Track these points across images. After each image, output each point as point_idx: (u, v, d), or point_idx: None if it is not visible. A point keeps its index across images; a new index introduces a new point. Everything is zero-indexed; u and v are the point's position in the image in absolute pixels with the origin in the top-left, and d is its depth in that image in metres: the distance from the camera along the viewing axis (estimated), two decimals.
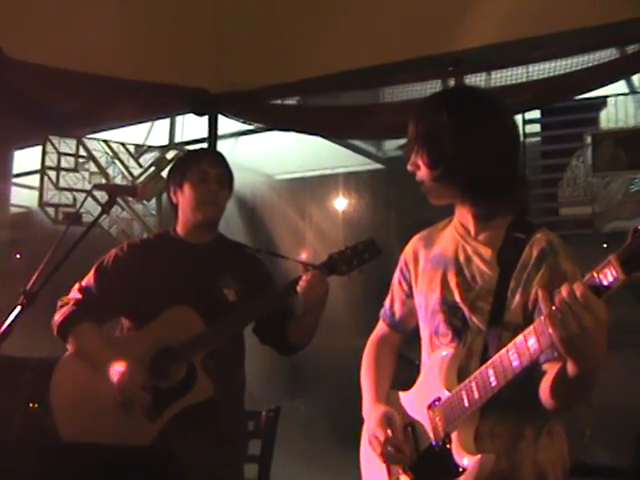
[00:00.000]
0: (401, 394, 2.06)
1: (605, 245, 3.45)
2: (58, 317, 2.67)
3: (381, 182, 6.31)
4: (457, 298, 1.87)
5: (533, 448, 1.80)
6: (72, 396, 2.61)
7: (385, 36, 3.71)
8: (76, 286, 2.74)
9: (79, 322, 2.65)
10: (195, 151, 2.99)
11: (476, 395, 1.72)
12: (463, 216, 1.96)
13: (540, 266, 1.77)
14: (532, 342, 1.57)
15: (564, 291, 1.46)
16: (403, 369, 2.24)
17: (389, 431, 1.93)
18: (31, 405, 3.17)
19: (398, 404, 2.04)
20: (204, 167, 2.72)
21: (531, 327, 1.58)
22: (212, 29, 4.26)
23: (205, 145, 4.46)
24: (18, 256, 5.19)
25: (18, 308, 2.20)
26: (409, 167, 1.96)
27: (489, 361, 1.69)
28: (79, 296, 2.71)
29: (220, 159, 2.82)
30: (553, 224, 3.51)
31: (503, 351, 1.65)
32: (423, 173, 1.92)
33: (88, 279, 2.74)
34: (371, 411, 2.06)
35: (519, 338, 1.61)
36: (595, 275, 1.44)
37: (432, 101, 2.01)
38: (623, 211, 3.41)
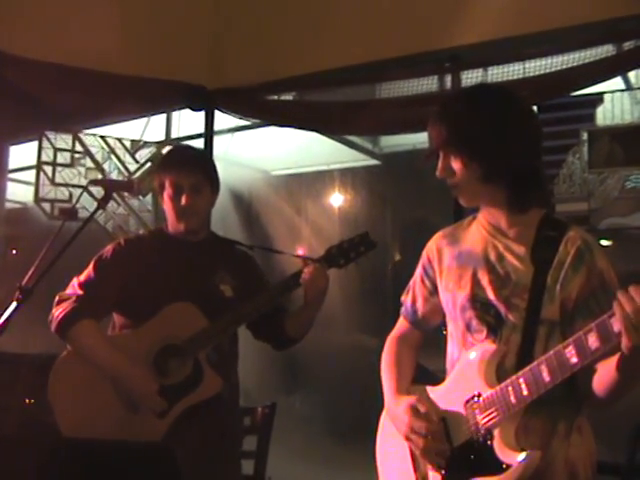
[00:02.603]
0: (429, 388, 2.05)
1: (601, 242, 3.45)
2: (58, 313, 2.61)
3: (377, 178, 6.32)
4: (490, 295, 1.88)
5: (565, 445, 1.82)
6: (73, 395, 2.58)
7: (382, 32, 3.71)
8: (74, 281, 2.69)
9: (80, 319, 2.60)
10: (170, 157, 2.87)
11: (525, 392, 1.71)
12: (492, 213, 1.96)
13: (578, 265, 1.80)
14: (592, 340, 1.56)
15: (638, 297, 1.46)
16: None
17: (427, 423, 1.91)
18: (27, 401, 3.16)
19: (425, 398, 2.02)
20: (177, 180, 2.67)
21: (592, 325, 1.57)
22: (209, 25, 4.26)
23: (201, 141, 4.45)
24: (14, 252, 5.18)
25: (14, 304, 2.20)
26: (439, 174, 1.93)
27: (541, 357, 1.69)
28: (80, 292, 2.66)
29: (194, 165, 2.72)
30: None
31: (559, 348, 1.65)
32: (462, 176, 1.89)
33: (88, 273, 2.70)
34: (395, 404, 2.03)
35: (577, 336, 1.60)
36: None
37: (461, 102, 1.94)
38: (619, 208, 3.41)
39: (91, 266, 2.72)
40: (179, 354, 2.56)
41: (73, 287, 2.69)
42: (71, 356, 2.63)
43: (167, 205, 2.72)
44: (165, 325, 2.58)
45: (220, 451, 2.58)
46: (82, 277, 2.70)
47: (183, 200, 2.66)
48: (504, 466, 1.74)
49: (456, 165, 1.89)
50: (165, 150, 4.49)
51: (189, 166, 2.70)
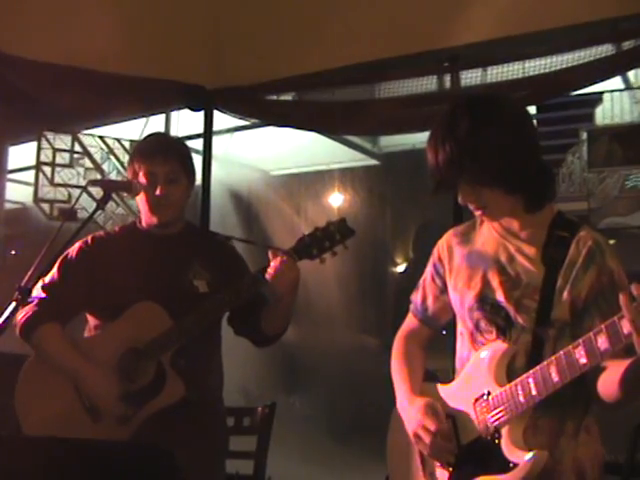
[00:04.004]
0: (440, 387, 2.05)
1: None
2: (20, 317, 2.52)
3: (376, 178, 6.32)
4: (501, 297, 1.88)
5: (573, 444, 1.83)
6: (38, 398, 2.52)
7: (381, 32, 3.71)
8: (39, 284, 2.54)
9: (41, 323, 2.53)
10: (143, 145, 2.72)
11: (534, 391, 1.72)
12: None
13: (589, 265, 1.80)
14: (602, 341, 1.56)
15: None
16: None
17: (436, 421, 1.92)
18: None
19: (437, 396, 2.03)
20: (151, 169, 2.55)
21: (602, 326, 1.56)
22: (208, 25, 4.25)
23: (200, 141, 4.44)
24: (13, 252, 5.18)
25: (13, 304, 2.20)
26: (463, 202, 1.89)
27: (551, 357, 1.69)
28: (42, 295, 2.57)
29: (168, 153, 2.59)
30: None
31: (568, 348, 1.64)
32: (487, 199, 1.86)
33: (52, 275, 2.60)
34: (409, 403, 2.03)
35: (587, 336, 1.60)
36: None
37: (465, 130, 1.80)
38: (619, 207, 3.41)
39: (55, 268, 2.60)
40: (142, 358, 2.46)
41: (37, 289, 2.57)
42: (37, 360, 2.58)
43: (140, 196, 2.58)
44: (129, 327, 2.49)
45: (193, 456, 2.38)
46: (47, 279, 2.60)
47: (157, 190, 2.54)
48: (511, 465, 1.76)
49: (478, 191, 1.85)
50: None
51: (163, 154, 2.57)
